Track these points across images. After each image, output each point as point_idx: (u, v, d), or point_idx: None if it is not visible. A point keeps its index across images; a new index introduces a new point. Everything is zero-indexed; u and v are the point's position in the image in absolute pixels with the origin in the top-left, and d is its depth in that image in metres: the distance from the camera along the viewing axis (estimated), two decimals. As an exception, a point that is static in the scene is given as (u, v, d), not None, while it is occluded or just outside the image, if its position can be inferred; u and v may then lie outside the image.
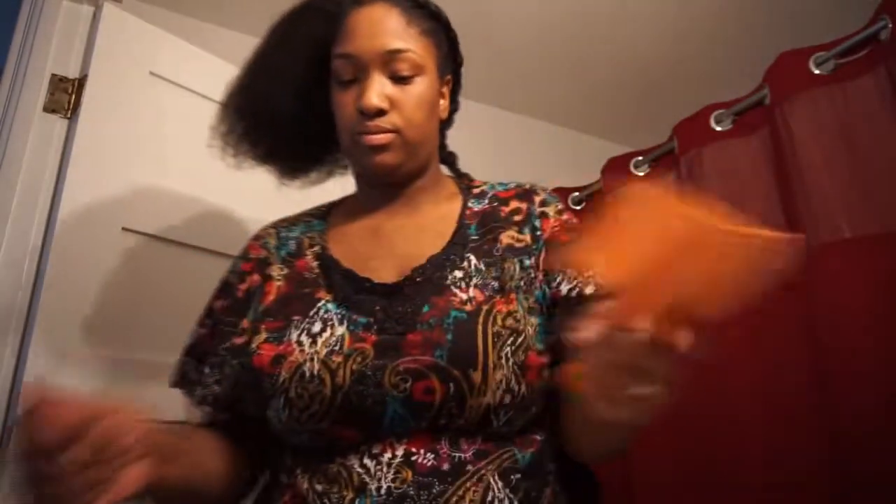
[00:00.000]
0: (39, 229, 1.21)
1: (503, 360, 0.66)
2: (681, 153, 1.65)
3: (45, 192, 1.23)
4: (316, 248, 0.81)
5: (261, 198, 1.53)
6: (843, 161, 1.31)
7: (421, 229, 0.81)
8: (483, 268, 0.74)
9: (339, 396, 0.65)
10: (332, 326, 0.70)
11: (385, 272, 0.76)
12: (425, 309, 0.69)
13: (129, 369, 1.22)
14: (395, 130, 0.75)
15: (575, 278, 0.75)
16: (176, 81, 1.41)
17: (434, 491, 0.61)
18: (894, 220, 1.22)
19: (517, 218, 0.81)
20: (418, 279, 0.73)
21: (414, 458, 0.63)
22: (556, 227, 0.80)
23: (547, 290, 0.76)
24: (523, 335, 0.69)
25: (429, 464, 0.63)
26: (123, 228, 1.26)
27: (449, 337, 0.66)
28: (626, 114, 2.32)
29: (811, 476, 1.25)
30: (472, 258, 0.75)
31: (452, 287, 0.72)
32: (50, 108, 1.27)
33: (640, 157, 1.81)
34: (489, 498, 0.63)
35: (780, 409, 1.33)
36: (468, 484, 0.63)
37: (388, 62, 0.75)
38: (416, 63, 0.76)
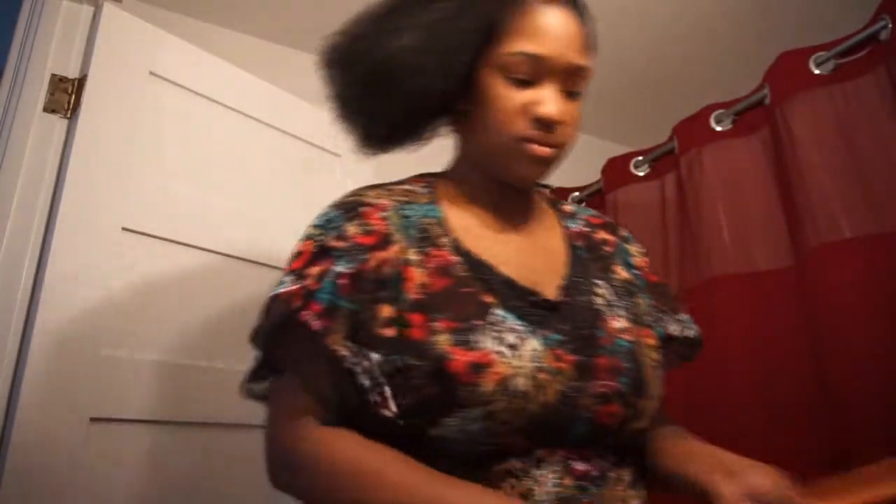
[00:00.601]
0: (39, 229, 1.21)
1: (656, 391, 0.72)
2: (681, 153, 1.65)
3: (45, 192, 1.23)
4: (447, 240, 0.73)
5: (261, 198, 1.53)
6: (843, 161, 1.31)
7: (535, 240, 0.80)
8: (615, 297, 0.76)
9: (544, 414, 0.64)
10: (525, 339, 0.66)
11: (541, 286, 0.74)
12: (601, 333, 0.71)
13: (130, 369, 1.22)
14: (559, 146, 0.73)
15: (679, 321, 0.83)
16: (176, 81, 1.41)
17: (592, 491, 0.65)
18: (894, 221, 1.22)
19: (607, 249, 0.84)
20: (569, 298, 0.74)
21: (570, 462, 0.65)
22: (644, 267, 0.86)
23: (660, 329, 0.81)
24: (661, 368, 0.75)
25: (582, 469, 0.66)
26: (123, 228, 1.26)
27: (627, 365, 0.69)
28: (626, 114, 2.32)
29: (811, 478, 1.25)
30: (601, 284, 0.77)
31: (603, 312, 0.74)
32: (50, 108, 1.27)
33: (640, 157, 1.81)
34: (627, 496, 0.69)
35: (780, 409, 1.33)
36: (617, 487, 0.67)
37: (570, 76, 0.72)
38: (586, 82, 0.75)
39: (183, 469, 1.26)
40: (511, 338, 0.65)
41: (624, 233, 0.90)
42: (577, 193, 1.99)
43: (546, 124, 0.70)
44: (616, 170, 1.84)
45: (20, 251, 1.19)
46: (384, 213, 0.74)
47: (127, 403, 1.20)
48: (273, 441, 0.72)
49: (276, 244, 1.55)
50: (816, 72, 1.38)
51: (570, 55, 0.71)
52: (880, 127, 1.27)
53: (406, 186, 0.82)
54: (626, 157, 1.84)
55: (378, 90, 0.75)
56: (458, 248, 0.73)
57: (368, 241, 0.72)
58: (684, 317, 0.86)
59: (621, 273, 0.81)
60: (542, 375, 0.64)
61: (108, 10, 1.32)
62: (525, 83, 0.71)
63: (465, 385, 0.62)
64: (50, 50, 1.30)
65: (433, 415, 0.63)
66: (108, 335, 1.20)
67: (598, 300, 0.75)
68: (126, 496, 1.18)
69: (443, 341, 0.64)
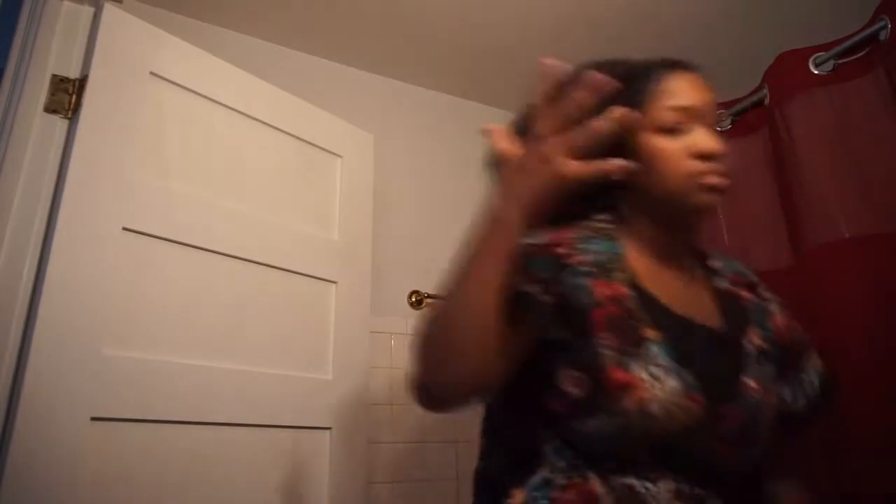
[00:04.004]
0: (40, 229, 1.21)
1: (765, 442, 0.80)
2: (680, 153, 1.65)
3: (45, 191, 1.23)
4: (623, 275, 0.81)
5: (261, 198, 1.54)
6: (843, 161, 1.31)
7: (695, 284, 0.88)
8: (757, 355, 0.84)
9: (667, 436, 0.73)
10: (669, 373, 0.74)
11: (702, 319, 0.83)
12: (734, 383, 0.79)
13: (130, 369, 1.22)
14: (726, 174, 0.83)
15: (800, 382, 0.91)
16: (176, 81, 1.41)
17: None
18: (893, 221, 1.22)
19: (747, 306, 0.90)
20: (723, 343, 0.82)
21: (680, 486, 0.74)
22: (781, 326, 0.90)
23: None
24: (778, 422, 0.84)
25: (687, 492, 0.74)
26: (123, 228, 1.26)
27: (750, 416, 0.78)
28: (626, 114, 2.32)
29: (811, 477, 1.25)
30: (747, 342, 0.84)
31: (746, 365, 0.81)
32: (51, 109, 1.27)
33: (640, 157, 1.81)
34: None
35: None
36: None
37: (711, 116, 0.85)
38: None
39: (183, 469, 1.26)
40: (657, 371, 0.74)
41: (766, 293, 0.93)
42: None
43: (711, 158, 0.81)
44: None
45: (21, 251, 1.19)
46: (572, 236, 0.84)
47: (127, 403, 1.20)
48: None
49: (276, 244, 1.55)
50: (816, 72, 1.38)
51: (711, 98, 0.85)
52: (879, 127, 1.27)
53: (591, 223, 0.89)
54: (626, 157, 1.84)
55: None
56: (633, 283, 0.81)
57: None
58: (806, 376, 0.92)
59: (754, 337, 0.86)
60: (674, 408, 0.73)
61: (109, 10, 1.32)
62: (676, 132, 0.83)
63: (615, 398, 0.72)
64: (51, 50, 1.30)
65: (582, 412, 0.74)
66: (108, 335, 1.21)
67: (744, 356, 0.83)
68: (126, 496, 1.18)
69: (606, 358, 0.74)
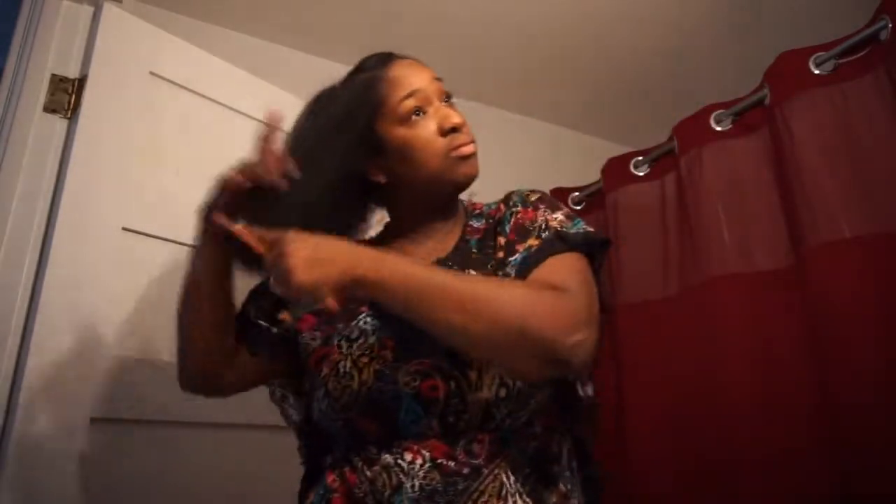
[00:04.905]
0: (40, 229, 1.21)
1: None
2: (681, 153, 1.65)
3: (45, 191, 1.23)
4: None
5: (261, 198, 1.53)
6: (843, 161, 1.31)
7: (433, 248, 0.91)
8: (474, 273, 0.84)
9: (364, 391, 0.77)
10: (367, 335, 0.81)
11: None
12: None
13: (130, 369, 1.22)
14: (473, 140, 0.86)
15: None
16: (176, 81, 1.41)
17: (460, 487, 0.72)
18: (894, 220, 1.22)
19: (496, 226, 0.89)
20: None
21: (439, 461, 0.74)
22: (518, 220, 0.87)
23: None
24: None
25: (452, 467, 0.73)
26: (123, 228, 1.26)
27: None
28: (626, 114, 2.32)
29: (811, 477, 1.25)
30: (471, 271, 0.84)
31: None
32: (50, 109, 1.27)
33: (640, 157, 1.81)
34: (503, 493, 0.73)
35: (780, 410, 1.33)
36: (486, 481, 0.73)
37: (440, 92, 0.88)
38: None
39: (182, 469, 1.26)
40: (354, 334, 0.82)
41: (514, 198, 0.89)
42: (576, 193, 1.99)
43: (457, 129, 0.85)
44: (616, 170, 1.84)
45: (20, 251, 1.19)
46: None
47: (127, 403, 1.20)
48: None
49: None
50: (816, 72, 1.38)
51: (429, 75, 0.88)
52: (880, 127, 1.27)
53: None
54: (626, 157, 1.84)
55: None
56: None
57: None
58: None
59: (500, 244, 0.84)
60: (363, 360, 0.78)
61: (108, 10, 1.32)
62: (416, 116, 0.85)
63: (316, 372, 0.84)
64: (50, 50, 1.30)
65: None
66: (108, 335, 1.21)
67: None
68: (126, 496, 1.18)
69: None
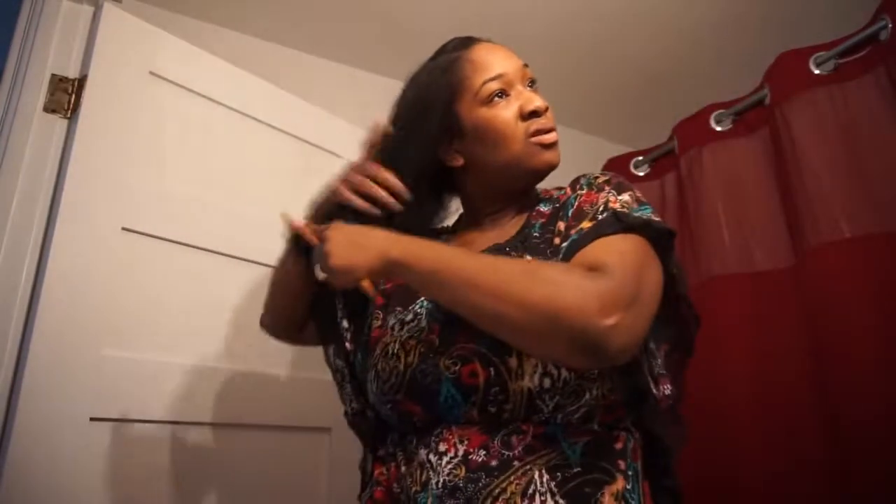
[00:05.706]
0: (39, 229, 1.21)
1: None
2: (681, 153, 1.65)
3: (45, 191, 1.23)
4: None
5: (261, 198, 1.53)
6: (843, 161, 1.31)
7: (495, 236, 0.91)
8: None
9: (409, 373, 0.77)
10: (420, 319, 0.81)
11: None
12: None
13: (130, 369, 1.22)
14: (554, 128, 0.87)
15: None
16: (176, 81, 1.41)
17: (480, 483, 0.69)
18: (894, 220, 1.22)
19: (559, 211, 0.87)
20: None
21: (470, 456, 0.71)
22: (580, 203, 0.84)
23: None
24: None
25: (480, 460, 0.70)
26: (123, 228, 1.26)
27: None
28: (626, 114, 2.32)
29: (811, 477, 1.25)
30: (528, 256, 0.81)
31: None
32: (50, 108, 1.27)
33: (640, 157, 1.81)
34: (530, 490, 0.68)
35: (780, 410, 1.33)
36: (512, 477, 0.69)
37: (524, 76, 0.87)
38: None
39: (182, 469, 1.26)
40: (408, 317, 0.83)
41: (582, 181, 0.86)
42: (577, 193, 1.99)
43: (539, 114, 0.84)
44: (616, 170, 1.84)
45: (20, 251, 1.19)
46: None
47: (127, 403, 1.20)
48: None
49: (276, 244, 1.55)
50: (816, 72, 1.38)
51: (515, 59, 0.87)
52: (880, 127, 1.27)
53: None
54: (626, 157, 1.84)
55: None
56: None
57: None
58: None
59: (559, 229, 0.80)
60: (411, 342, 0.79)
61: (108, 10, 1.32)
62: (500, 98, 0.84)
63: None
64: (50, 50, 1.30)
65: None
66: (108, 335, 1.20)
67: None
68: (126, 496, 1.18)
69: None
